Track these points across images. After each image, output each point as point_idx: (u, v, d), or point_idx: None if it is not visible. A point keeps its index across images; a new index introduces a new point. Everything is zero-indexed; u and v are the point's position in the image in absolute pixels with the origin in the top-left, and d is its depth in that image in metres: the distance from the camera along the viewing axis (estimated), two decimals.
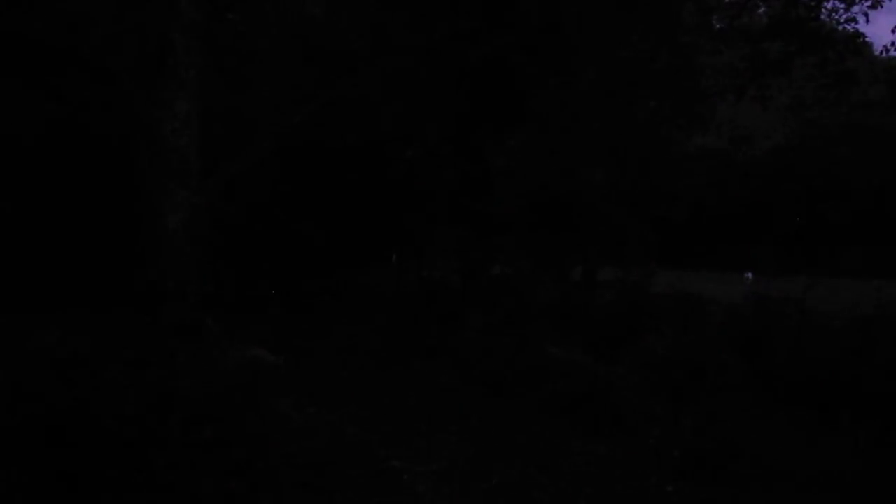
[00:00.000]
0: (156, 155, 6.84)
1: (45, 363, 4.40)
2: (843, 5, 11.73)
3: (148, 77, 6.87)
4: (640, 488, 4.86)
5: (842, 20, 11.88)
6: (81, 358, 4.51)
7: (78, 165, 10.24)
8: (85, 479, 3.88)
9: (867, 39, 12.04)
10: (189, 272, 6.92)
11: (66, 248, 10.29)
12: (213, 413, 4.39)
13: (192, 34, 6.91)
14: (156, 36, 6.81)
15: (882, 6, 11.49)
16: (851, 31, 11.78)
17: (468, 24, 9.87)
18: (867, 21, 11.71)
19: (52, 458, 3.89)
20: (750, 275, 21.14)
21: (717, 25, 12.76)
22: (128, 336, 5.30)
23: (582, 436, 5.91)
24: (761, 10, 13.11)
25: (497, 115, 11.34)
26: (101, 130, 9.77)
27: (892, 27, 11.92)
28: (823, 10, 11.77)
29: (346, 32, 10.54)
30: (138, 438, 4.03)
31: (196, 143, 7.00)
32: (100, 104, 9.17)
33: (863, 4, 11.61)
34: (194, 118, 6.95)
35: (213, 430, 4.25)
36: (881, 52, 12.56)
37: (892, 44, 12.02)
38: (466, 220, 10.90)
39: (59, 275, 9.89)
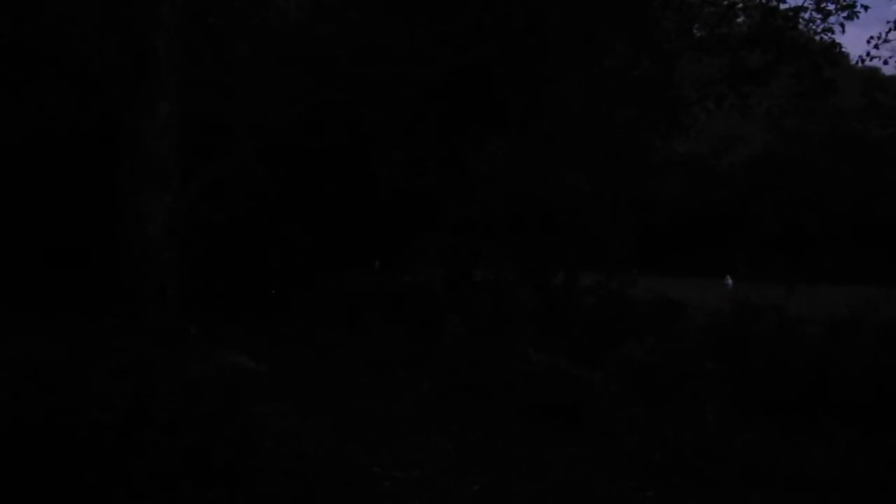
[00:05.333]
0: (136, 159, 6.79)
1: (22, 368, 4.35)
2: (819, 16, 11.94)
3: (129, 81, 6.82)
4: (621, 493, 4.89)
5: (819, 30, 12.11)
6: (60, 363, 4.45)
7: (60, 168, 10.14)
8: (62, 489, 3.84)
9: (843, 49, 12.28)
10: (169, 277, 6.86)
11: (47, 251, 10.19)
12: (193, 420, 4.35)
13: (174, 38, 6.88)
14: (137, 40, 6.77)
15: (857, 17, 11.71)
16: (828, 41, 12.00)
17: (451, 30, 9.91)
18: (843, 31, 11.96)
19: (28, 467, 3.84)
20: (730, 280, 21.35)
21: (698, 34, 12.91)
22: (108, 341, 5.24)
23: (563, 441, 5.93)
24: (740, 19, 13.30)
25: (479, 120, 11.38)
26: (83, 133, 9.69)
27: (866, 38, 12.06)
28: (801, 20, 11.99)
29: (330, 38, 10.54)
30: (117, 446, 3.98)
31: (177, 147, 6.96)
32: (82, 107, 9.10)
33: (839, 15, 11.84)
34: (175, 122, 6.91)
35: (193, 437, 4.21)
36: (857, 62, 12.82)
37: (868, 54, 12.28)
38: (449, 225, 10.92)
39: (40, 278, 9.79)
